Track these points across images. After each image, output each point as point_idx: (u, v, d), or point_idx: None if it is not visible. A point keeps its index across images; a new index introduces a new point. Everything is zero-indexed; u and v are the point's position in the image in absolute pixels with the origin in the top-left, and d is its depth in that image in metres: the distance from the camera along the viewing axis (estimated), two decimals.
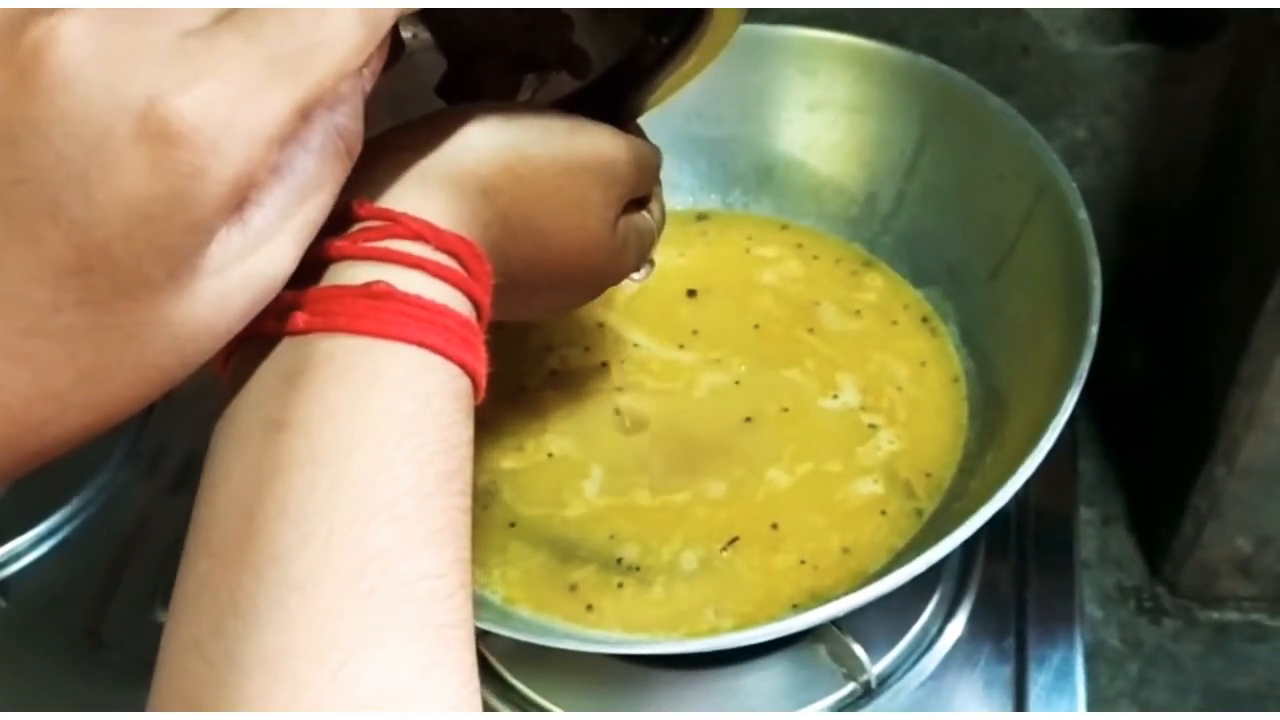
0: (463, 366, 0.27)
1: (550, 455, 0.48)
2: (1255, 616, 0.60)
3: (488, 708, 0.47)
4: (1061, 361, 0.40)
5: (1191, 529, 0.58)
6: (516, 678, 0.47)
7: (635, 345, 0.52)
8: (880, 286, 0.53)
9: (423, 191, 0.29)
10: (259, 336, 0.26)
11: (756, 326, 0.52)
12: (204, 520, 0.25)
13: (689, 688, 0.46)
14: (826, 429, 0.48)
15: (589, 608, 0.43)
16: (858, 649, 0.44)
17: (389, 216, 0.27)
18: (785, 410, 0.48)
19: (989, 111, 0.49)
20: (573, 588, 0.44)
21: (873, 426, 0.48)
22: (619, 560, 0.44)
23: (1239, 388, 0.51)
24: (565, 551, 0.45)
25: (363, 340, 0.26)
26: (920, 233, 0.52)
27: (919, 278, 0.52)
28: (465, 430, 0.27)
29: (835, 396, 0.49)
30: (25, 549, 0.57)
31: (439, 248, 0.28)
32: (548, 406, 0.50)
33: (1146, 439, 0.65)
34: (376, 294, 0.26)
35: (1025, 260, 0.47)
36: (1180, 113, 0.59)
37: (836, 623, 0.44)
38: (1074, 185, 0.44)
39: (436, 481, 0.25)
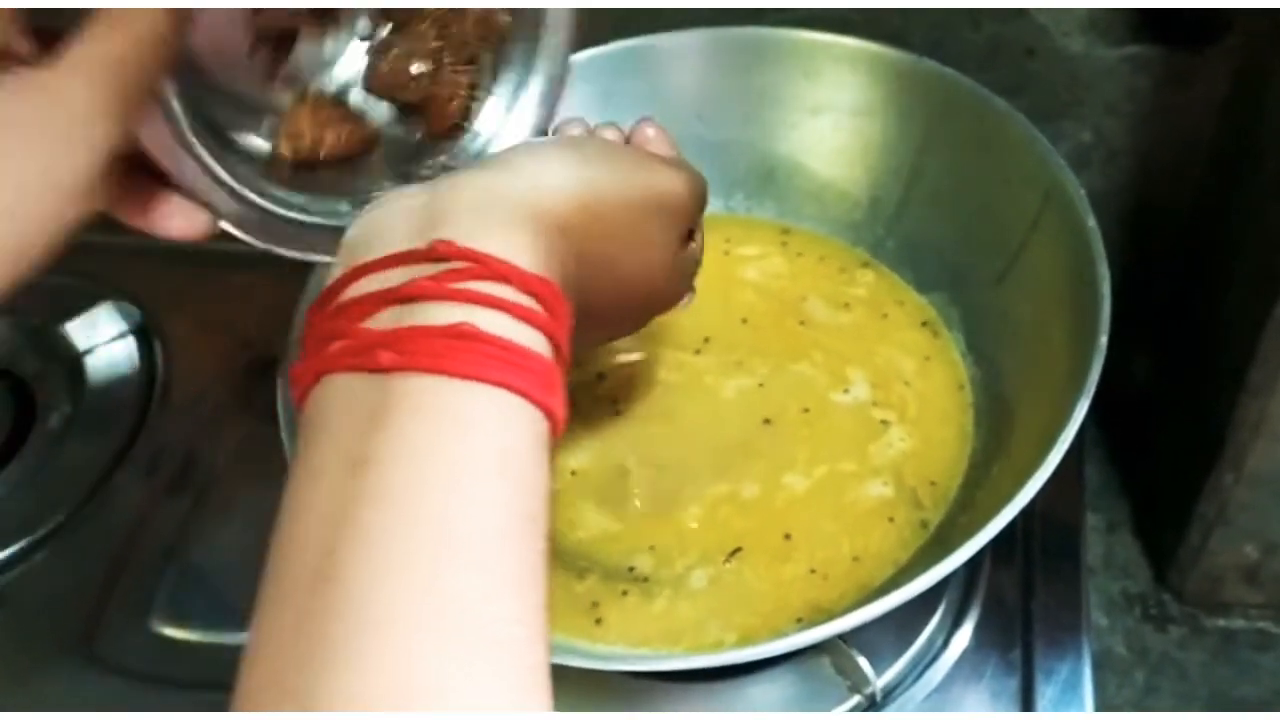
0: (544, 409, 0.27)
1: (573, 473, 0.48)
2: (1262, 624, 0.60)
3: None
4: (1069, 370, 0.40)
5: (1198, 536, 0.57)
6: None
7: (623, 352, 0.51)
8: (871, 282, 0.53)
9: (505, 231, 0.29)
10: (340, 373, 0.26)
11: (744, 321, 0.52)
12: (281, 555, 0.25)
13: (692, 699, 0.45)
14: (842, 427, 0.48)
15: (598, 621, 0.43)
16: (862, 661, 0.44)
17: (474, 258, 0.28)
18: (806, 410, 0.48)
19: (994, 115, 0.48)
20: (591, 604, 0.43)
21: (884, 423, 0.48)
22: (630, 569, 0.44)
23: (1246, 395, 0.51)
24: (579, 567, 0.45)
25: (447, 381, 0.26)
26: (924, 238, 0.52)
27: (923, 283, 0.52)
28: (545, 473, 0.27)
29: (847, 390, 0.49)
30: (20, 556, 0.57)
31: (522, 289, 0.28)
32: None
33: (1151, 445, 0.64)
34: (462, 335, 0.26)
35: (1032, 267, 0.46)
36: (1186, 115, 0.58)
37: (841, 635, 0.43)
38: (1082, 191, 0.43)
39: (518, 524, 0.25)
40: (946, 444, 0.47)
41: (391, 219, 0.30)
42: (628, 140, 0.38)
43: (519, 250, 0.28)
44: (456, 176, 0.30)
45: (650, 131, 0.38)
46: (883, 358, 0.50)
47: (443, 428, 0.25)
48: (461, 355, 0.26)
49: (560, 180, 0.31)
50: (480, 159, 0.33)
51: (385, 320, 0.27)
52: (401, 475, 0.24)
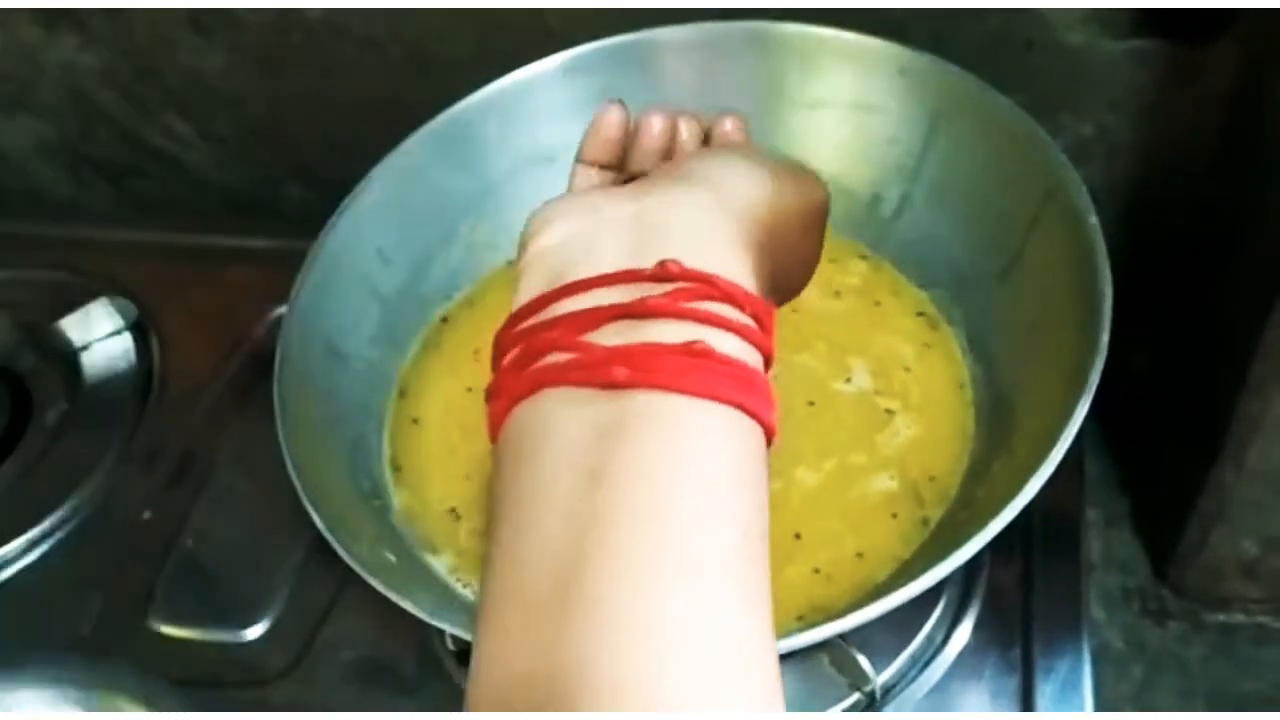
0: (765, 427, 0.27)
1: None
2: (1261, 619, 0.60)
3: None
4: (1071, 368, 0.40)
5: (1198, 531, 0.57)
6: None
7: None
8: (864, 272, 0.53)
9: (728, 253, 0.30)
10: (563, 386, 0.27)
11: None
12: (511, 570, 0.25)
13: None
14: (847, 418, 0.48)
15: None
16: (862, 659, 0.44)
17: (704, 279, 0.28)
18: (811, 404, 0.48)
19: (997, 110, 0.48)
20: None
21: (889, 411, 0.48)
22: None
23: (1247, 391, 0.50)
24: None
25: (683, 399, 0.26)
26: (926, 234, 0.51)
27: (925, 280, 0.52)
28: (767, 491, 0.27)
29: (849, 380, 0.49)
30: (17, 554, 0.57)
31: (747, 310, 0.28)
32: None
33: (1152, 440, 0.64)
34: (696, 353, 0.26)
35: (1033, 264, 0.46)
36: (1188, 110, 0.58)
37: (841, 634, 0.43)
38: (1083, 188, 0.43)
39: (755, 543, 0.25)
40: (948, 441, 0.47)
41: (599, 232, 0.30)
42: (708, 133, 0.39)
43: (741, 271, 0.29)
44: (662, 191, 0.31)
45: (729, 125, 0.39)
46: (881, 345, 0.50)
47: (682, 445, 0.25)
48: (698, 373, 0.26)
49: (757, 198, 0.32)
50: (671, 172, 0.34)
51: (611, 336, 0.27)
52: (644, 492, 0.24)
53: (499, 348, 0.30)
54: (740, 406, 0.26)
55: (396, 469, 0.48)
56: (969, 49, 0.57)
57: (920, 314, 0.51)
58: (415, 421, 0.49)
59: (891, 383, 0.48)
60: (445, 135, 0.52)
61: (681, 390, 0.26)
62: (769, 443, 0.28)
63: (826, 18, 0.52)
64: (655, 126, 0.37)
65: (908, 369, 0.49)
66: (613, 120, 0.38)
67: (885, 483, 0.45)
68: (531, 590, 0.24)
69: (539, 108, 0.51)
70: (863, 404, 0.48)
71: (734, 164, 0.33)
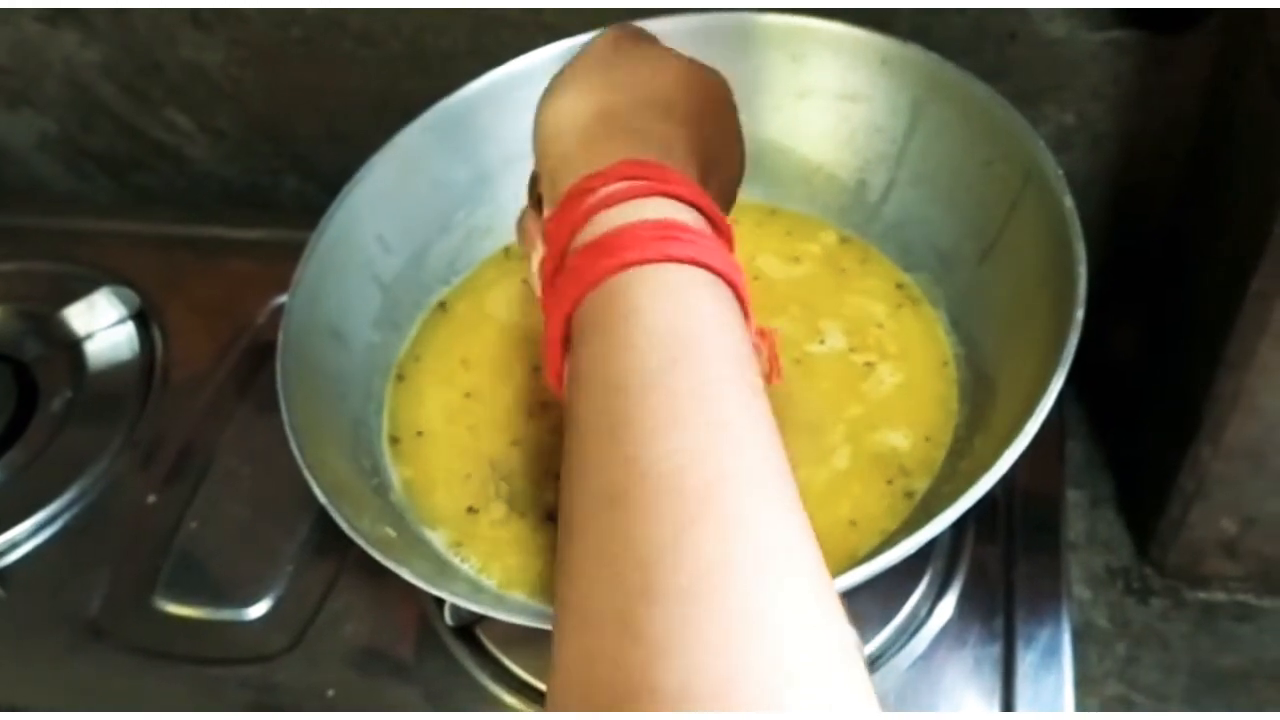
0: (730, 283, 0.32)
1: None
2: (1241, 596, 0.61)
3: (486, 692, 0.48)
4: (1048, 345, 0.41)
5: (1178, 510, 0.58)
6: (513, 661, 0.48)
7: None
8: (829, 242, 0.54)
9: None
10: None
11: None
12: (586, 479, 0.28)
13: None
14: (831, 373, 0.49)
15: None
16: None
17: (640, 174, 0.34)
18: (797, 362, 0.49)
19: (978, 98, 0.49)
20: None
21: (869, 364, 0.49)
22: None
23: (1223, 370, 0.51)
24: None
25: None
26: (910, 219, 0.52)
27: (908, 263, 0.53)
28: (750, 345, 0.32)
29: (822, 341, 0.50)
30: (24, 537, 0.58)
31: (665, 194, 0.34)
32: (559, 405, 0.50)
33: (1134, 421, 0.65)
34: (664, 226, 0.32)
35: (1013, 245, 0.47)
36: (1167, 98, 0.59)
37: None
38: (1060, 172, 0.44)
39: (751, 367, 0.30)
40: (932, 417, 0.47)
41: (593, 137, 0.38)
42: None
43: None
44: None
45: None
46: (852, 307, 0.51)
47: (674, 293, 0.31)
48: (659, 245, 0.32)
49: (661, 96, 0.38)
50: None
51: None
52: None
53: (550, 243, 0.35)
54: (698, 263, 0.31)
55: (394, 442, 0.49)
56: (952, 40, 0.58)
57: (899, 285, 0.52)
58: (420, 434, 0.50)
59: (865, 339, 0.50)
60: (442, 125, 0.53)
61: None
62: (743, 299, 0.32)
63: (813, 14, 0.53)
64: None
65: (880, 325, 0.50)
66: None
67: (891, 437, 0.46)
68: (591, 506, 0.27)
69: (532, 98, 0.52)
70: (840, 360, 0.49)
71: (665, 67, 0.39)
